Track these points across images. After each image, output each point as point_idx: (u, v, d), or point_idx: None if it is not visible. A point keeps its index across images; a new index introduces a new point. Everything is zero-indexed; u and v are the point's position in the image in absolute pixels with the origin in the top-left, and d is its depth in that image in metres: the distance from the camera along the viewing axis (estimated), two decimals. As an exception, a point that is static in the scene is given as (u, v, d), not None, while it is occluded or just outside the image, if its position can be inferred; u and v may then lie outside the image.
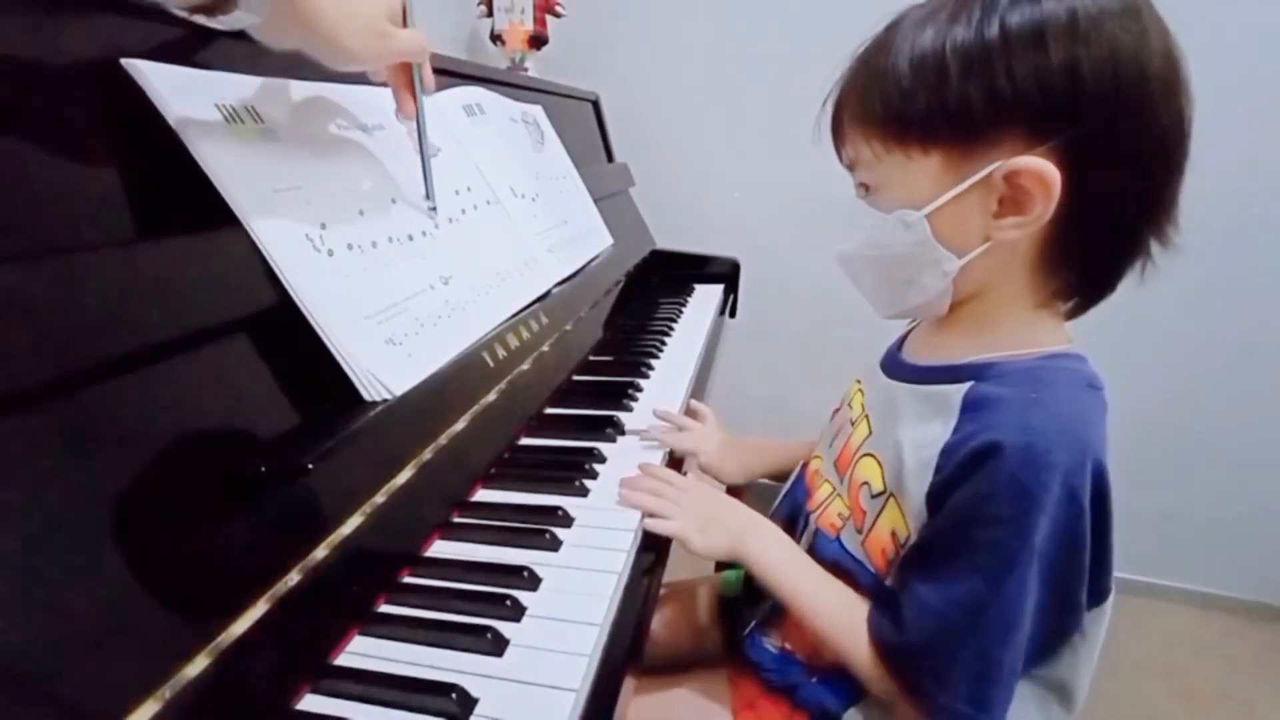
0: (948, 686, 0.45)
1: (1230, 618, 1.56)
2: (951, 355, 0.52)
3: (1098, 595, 0.47)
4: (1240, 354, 1.41)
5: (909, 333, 0.63)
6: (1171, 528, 1.50)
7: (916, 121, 0.46)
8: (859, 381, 0.64)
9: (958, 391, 0.49)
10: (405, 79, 0.55)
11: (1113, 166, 0.44)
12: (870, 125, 0.48)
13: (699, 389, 0.91)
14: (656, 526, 0.58)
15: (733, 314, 1.36)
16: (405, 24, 0.49)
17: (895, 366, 0.58)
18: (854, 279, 0.56)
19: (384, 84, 0.57)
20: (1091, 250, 0.48)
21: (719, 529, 0.59)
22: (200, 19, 0.37)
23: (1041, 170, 0.43)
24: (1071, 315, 0.52)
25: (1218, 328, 1.36)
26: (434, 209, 0.64)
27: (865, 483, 0.54)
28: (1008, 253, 0.48)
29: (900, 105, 0.46)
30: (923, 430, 0.50)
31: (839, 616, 0.53)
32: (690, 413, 0.82)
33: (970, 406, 0.48)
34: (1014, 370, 0.48)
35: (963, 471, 0.45)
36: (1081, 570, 0.45)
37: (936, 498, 0.47)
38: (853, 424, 0.60)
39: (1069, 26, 0.42)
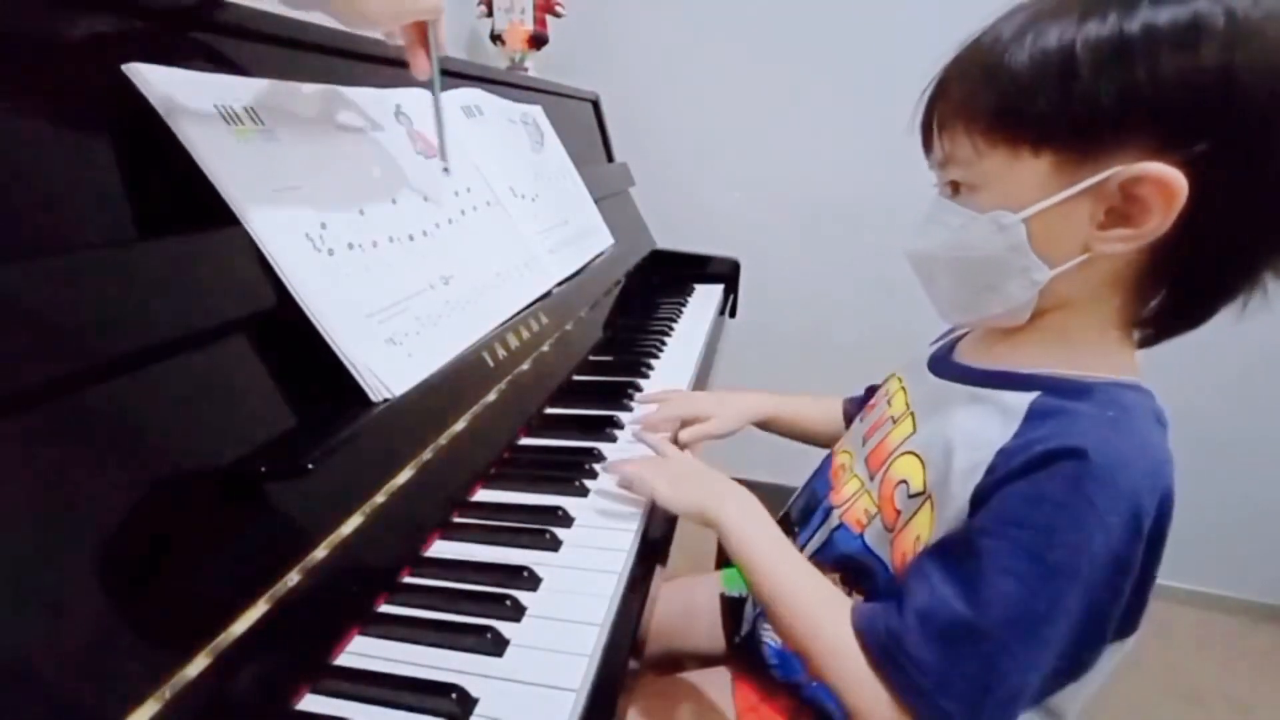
0: (950, 690, 0.42)
1: (1230, 618, 1.57)
2: (1017, 364, 0.49)
3: (1125, 629, 0.45)
4: (1242, 355, 1.41)
5: (960, 335, 0.60)
6: (1174, 528, 1.50)
7: (1032, 120, 0.43)
8: (899, 379, 0.62)
9: (1023, 399, 0.46)
10: (420, 36, 0.56)
11: (1248, 185, 0.41)
12: (975, 120, 0.45)
13: (699, 389, 0.91)
14: (622, 468, 0.59)
15: (733, 314, 1.36)
16: None
17: (948, 367, 0.56)
18: (926, 281, 0.53)
19: (399, 45, 0.56)
20: (1200, 273, 0.44)
21: (691, 482, 0.57)
22: None
23: (1168, 179, 0.39)
24: (1143, 345, 0.49)
25: (1222, 329, 1.35)
26: (447, 170, 0.64)
27: (903, 481, 0.52)
28: (1103, 268, 0.45)
29: (1016, 101, 0.43)
30: (978, 431, 0.47)
31: (813, 597, 0.50)
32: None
33: (1036, 415, 0.45)
34: (1086, 390, 0.45)
35: (1025, 469, 0.42)
36: (1120, 599, 0.42)
37: (982, 497, 0.44)
38: (894, 421, 0.58)
39: (1227, 27, 0.38)
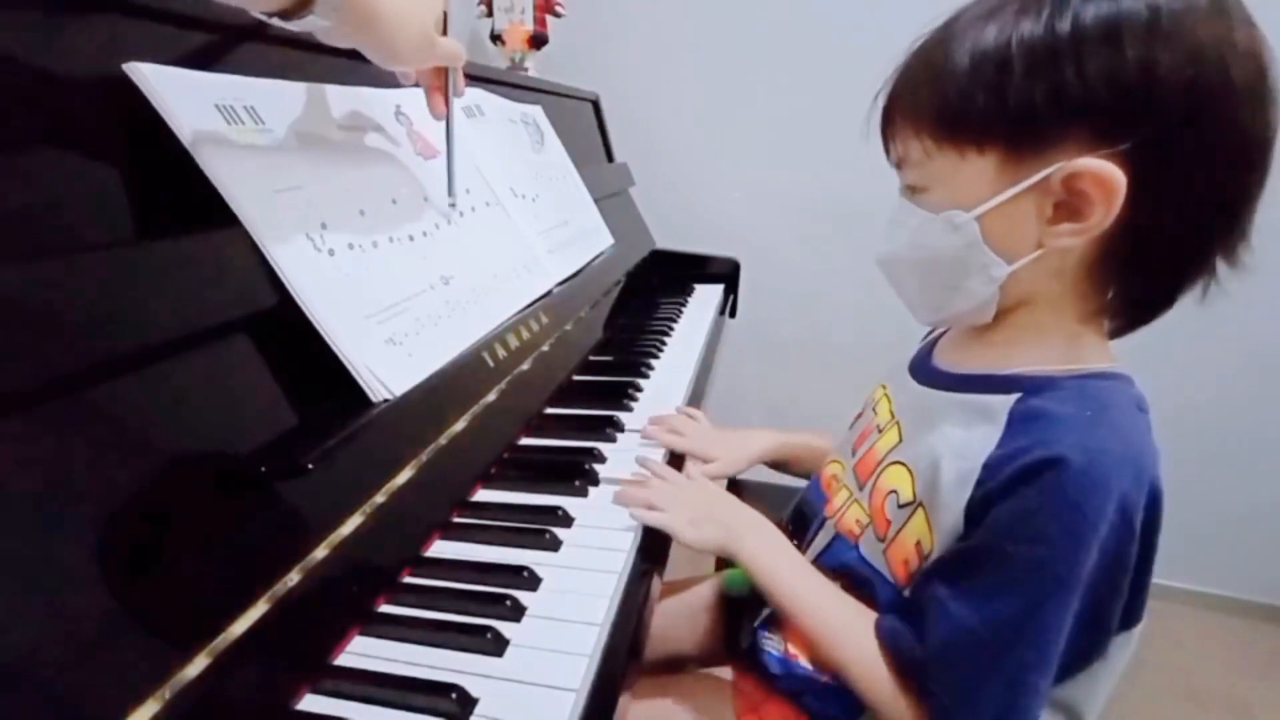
0: (974, 708, 0.43)
1: (1230, 618, 1.56)
2: (993, 364, 0.50)
3: (1129, 620, 0.45)
4: (1245, 355, 1.41)
5: (939, 337, 0.61)
6: (1173, 527, 1.49)
7: (973, 119, 0.43)
8: (884, 386, 0.62)
9: (1004, 403, 0.46)
10: (439, 81, 0.59)
11: (1185, 176, 0.41)
12: (922, 122, 0.46)
13: (699, 389, 0.91)
14: (645, 517, 0.57)
15: (733, 314, 1.36)
16: (445, 32, 0.52)
17: (928, 372, 0.56)
18: (895, 283, 0.54)
19: (415, 85, 0.59)
20: (1150, 263, 0.45)
21: (712, 522, 0.58)
22: (276, 22, 0.41)
23: (1105, 174, 0.40)
24: (1115, 334, 0.50)
25: (1224, 329, 1.36)
26: (454, 204, 0.67)
27: (893, 491, 0.52)
28: (1059, 261, 0.45)
29: (957, 102, 0.44)
30: (962, 440, 0.47)
31: (841, 622, 0.51)
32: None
33: (1018, 419, 0.45)
34: (1065, 386, 0.46)
35: (1012, 485, 0.43)
36: (1120, 595, 0.43)
37: (977, 511, 0.45)
38: (880, 430, 0.58)
39: (1149, 23, 0.39)
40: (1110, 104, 0.40)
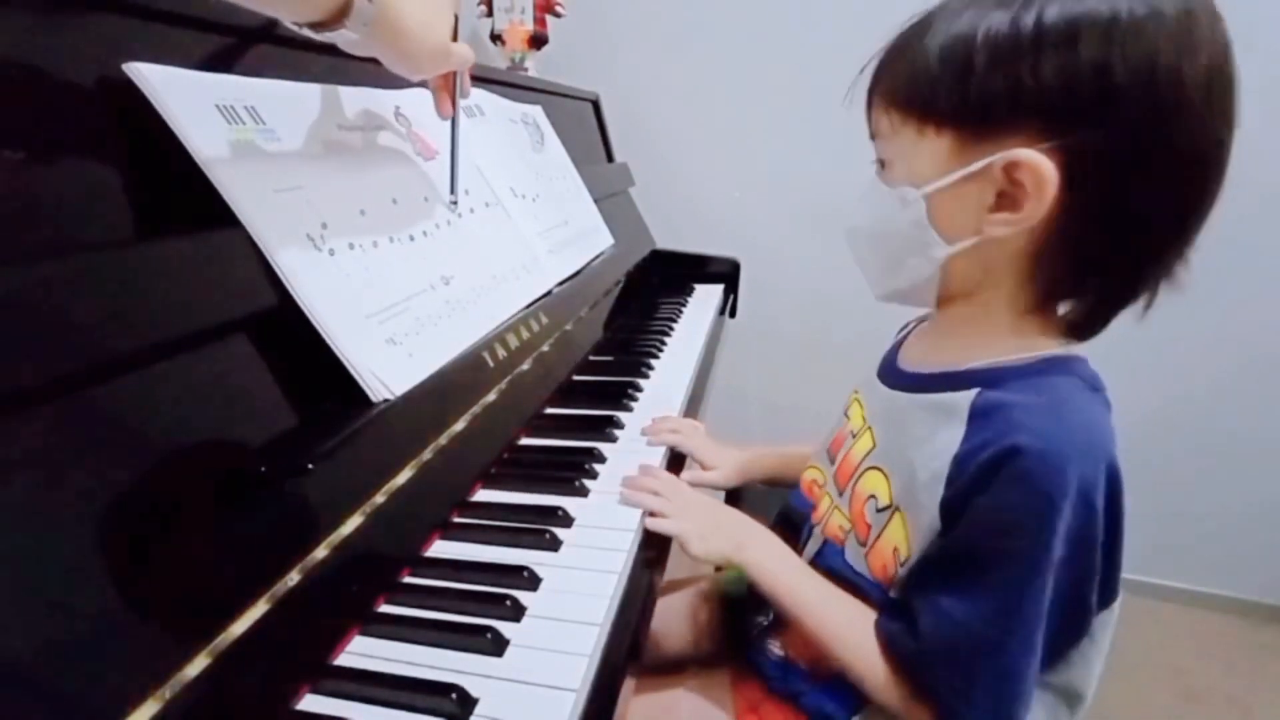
0: (971, 700, 0.45)
1: (1230, 618, 1.56)
2: (951, 361, 0.51)
3: (1106, 597, 0.46)
4: (1242, 354, 1.40)
5: (903, 340, 0.62)
6: (1172, 527, 1.50)
7: (934, 101, 0.45)
8: (856, 392, 0.63)
9: (965, 399, 0.48)
10: (446, 83, 0.60)
11: (1119, 183, 0.42)
12: (891, 98, 0.48)
13: (699, 389, 0.91)
14: (659, 525, 0.58)
15: (733, 314, 1.36)
16: (456, 37, 0.54)
17: (894, 375, 0.57)
18: (855, 255, 0.55)
19: (420, 84, 0.60)
20: (1079, 266, 0.46)
21: (719, 534, 0.59)
22: (306, 31, 0.43)
23: (1038, 166, 0.41)
24: (1076, 331, 0.50)
25: (1220, 328, 1.36)
26: (454, 203, 0.68)
27: (872, 496, 0.53)
28: (997, 251, 0.46)
29: (922, 82, 0.45)
30: (932, 441, 0.48)
31: (843, 624, 0.52)
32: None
33: (979, 414, 0.47)
34: (1017, 375, 0.47)
35: (982, 480, 0.44)
36: (1093, 573, 0.44)
37: (952, 508, 0.46)
38: (854, 436, 0.59)
39: (1107, 26, 0.40)
40: (1060, 103, 0.41)
